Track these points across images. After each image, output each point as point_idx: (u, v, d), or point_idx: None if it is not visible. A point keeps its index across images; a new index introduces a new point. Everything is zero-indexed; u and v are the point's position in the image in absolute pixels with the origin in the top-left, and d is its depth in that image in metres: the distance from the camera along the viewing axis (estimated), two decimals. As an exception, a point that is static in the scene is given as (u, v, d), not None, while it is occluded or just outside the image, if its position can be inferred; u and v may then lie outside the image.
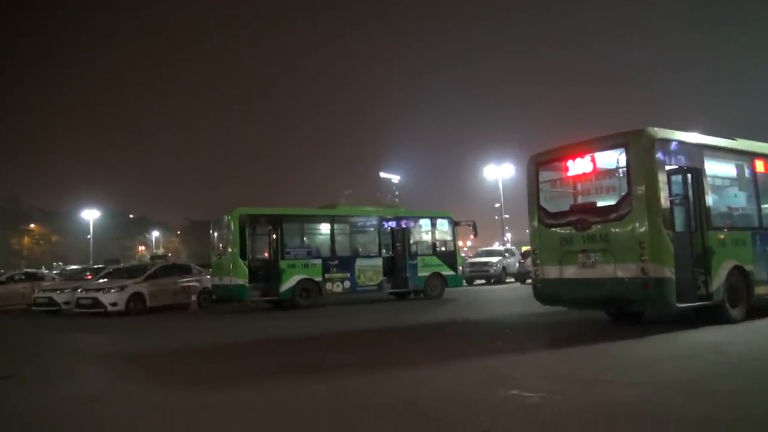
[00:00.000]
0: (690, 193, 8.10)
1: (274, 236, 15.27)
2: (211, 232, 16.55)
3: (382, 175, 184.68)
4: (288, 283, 14.84)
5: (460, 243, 21.86)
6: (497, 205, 45.96)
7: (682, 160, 7.98)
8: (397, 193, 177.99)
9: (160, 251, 62.38)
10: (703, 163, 8.16)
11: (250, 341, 9.19)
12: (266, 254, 16.08)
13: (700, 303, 7.68)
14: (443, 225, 17.94)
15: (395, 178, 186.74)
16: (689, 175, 8.12)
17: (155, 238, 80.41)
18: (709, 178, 8.23)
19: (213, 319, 14.09)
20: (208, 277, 16.85)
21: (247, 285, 14.42)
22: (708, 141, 8.53)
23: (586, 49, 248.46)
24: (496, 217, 48.56)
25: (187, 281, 16.55)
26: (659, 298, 7.30)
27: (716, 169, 8.54)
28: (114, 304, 14.99)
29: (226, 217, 15.30)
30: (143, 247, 77.95)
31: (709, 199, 8.10)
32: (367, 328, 10.28)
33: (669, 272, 7.23)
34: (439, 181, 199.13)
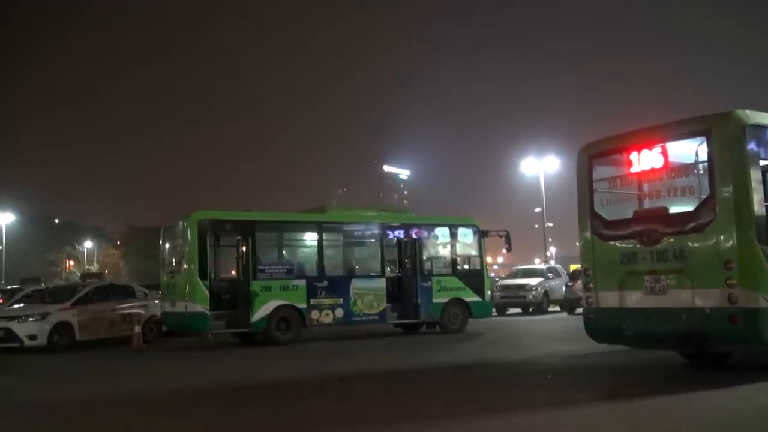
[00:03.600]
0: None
1: (244, 249, 15.28)
2: (160, 242, 16.62)
3: (387, 169, 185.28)
4: (262, 311, 14.85)
5: (488, 259, 21.87)
6: (538, 210, 46.02)
7: None
8: (405, 192, 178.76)
9: (94, 267, 62.54)
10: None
11: (212, 388, 9.20)
12: (233, 272, 16.10)
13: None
14: (467, 236, 17.95)
15: (404, 174, 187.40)
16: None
17: (87, 249, 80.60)
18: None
19: (163, 357, 14.13)
20: (157, 302, 16.87)
21: (207, 313, 14.42)
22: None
23: (649, 20, 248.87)
24: (536, 226, 48.66)
25: (129, 307, 16.60)
26: (751, 334, 7.29)
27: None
28: (33, 338, 15.01)
29: (181, 222, 15.33)
30: (72, 262, 78.09)
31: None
32: (367, 371, 10.29)
33: (765, 300, 7.22)
34: (461, 179, 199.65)
